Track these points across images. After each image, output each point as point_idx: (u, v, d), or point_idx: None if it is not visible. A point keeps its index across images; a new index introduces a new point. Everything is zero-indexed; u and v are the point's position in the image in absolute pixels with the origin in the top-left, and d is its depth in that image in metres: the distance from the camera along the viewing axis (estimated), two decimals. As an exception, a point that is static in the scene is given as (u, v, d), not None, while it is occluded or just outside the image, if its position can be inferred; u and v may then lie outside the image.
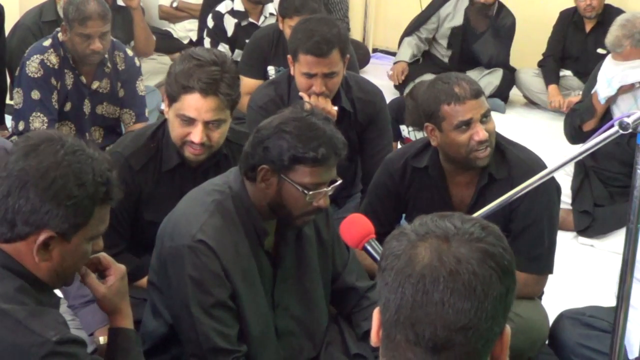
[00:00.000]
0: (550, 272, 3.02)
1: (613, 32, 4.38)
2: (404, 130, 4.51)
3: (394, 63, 6.50)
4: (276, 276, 2.57)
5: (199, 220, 2.42)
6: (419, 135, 4.40)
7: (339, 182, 2.47)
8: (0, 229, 1.87)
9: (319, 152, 2.35)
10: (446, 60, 6.48)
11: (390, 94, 6.10)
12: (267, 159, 2.39)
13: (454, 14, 6.40)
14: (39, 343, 1.77)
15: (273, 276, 2.57)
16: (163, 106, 2.94)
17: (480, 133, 2.81)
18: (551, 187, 2.96)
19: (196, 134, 2.75)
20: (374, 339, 1.38)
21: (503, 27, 6.34)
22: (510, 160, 2.93)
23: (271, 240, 2.55)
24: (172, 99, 2.78)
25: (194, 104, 2.72)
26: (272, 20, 5.31)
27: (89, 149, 1.92)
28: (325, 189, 2.43)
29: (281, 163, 2.37)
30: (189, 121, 2.75)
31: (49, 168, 1.84)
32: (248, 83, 4.43)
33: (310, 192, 2.39)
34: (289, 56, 3.53)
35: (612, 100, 4.44)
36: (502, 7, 6.34)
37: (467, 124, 2.82)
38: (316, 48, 3.37)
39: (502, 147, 2.96)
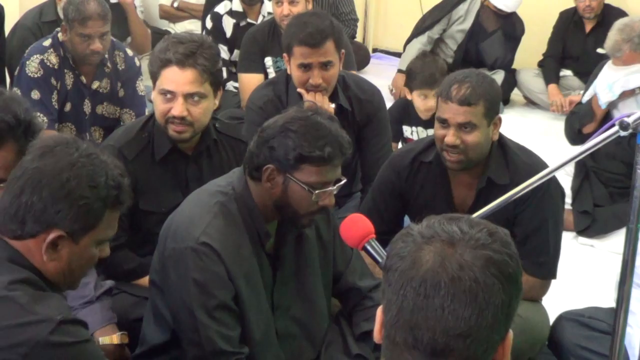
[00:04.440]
0: (554, 277, 3.03)
1: (612, 37, 4.39)
2: (407, 130, 4.51)
3: (398, 70, 6.36)
4: (276, 278, 2.57)
5: (202, 222, 2.42)
6: (422, 135, 4.39)
7: (344, 181, 2.47)
8: (11, 226, 1.89)
9: (325, 151, 2.35)
10: (450, 60, 6.46)
11: (388, 94, 6.10)
12: (272, 158, 2.39)
13: (465, 17, 6.38)
14: (43, 322, 1.79)
15: (273, 278, 2.56)
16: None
17: (448, 137, 2.83)
18: (556, 193, 2.97)
19: (176, 107, 2.81)
20: (377, 336, 1.38)
21: (514, 30, 6.35)
22: (516, 166, 2.92)
23: (272, 241, 2.55)
24: (154, 77, 2.86)
25: (172, 76, 2.80)
26: (271, 20, 5.30)
27: (103, 155, 1.96)
28: (331, 188, 2.43)
29: (287, 162, 2.37)
30: (170, 96, 2.81)
31: (63, 168, 1.88)
32: (250, 79, 4.42)
33: (316, 192, 2.39)
34: (284, 54, 3.53)
35: (613, 105, 4.44)
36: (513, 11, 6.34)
37: (444, 122, 2.84)
38: (310, 38, 3.38)
39: (508, 153, 2.95)
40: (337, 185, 2.45)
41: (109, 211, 1.93)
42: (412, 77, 4.39)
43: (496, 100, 2.89)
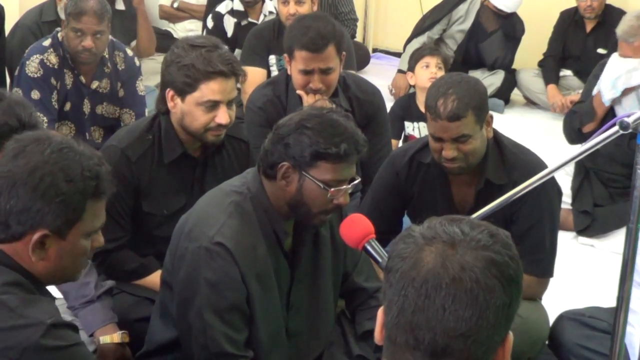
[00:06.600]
0: (551, 275, 3.02)
1: (628, 22, 4.33)
2: (409, 127, 4.53)
3: (398, 70, 6.32)
4: (294, 277, 2.55)
5: (217, 221, 2.39)
6: (424, 132, 4.40)
7: (359, 180, 2.45)
8: None
9: (341, 147, 2.33)
10: (450, 60, 6.45)
11: (388, 94, 6.09)
12: (288, 155, 2.36)
13: (465, 17, 6.37)
14: (34, 326, 1.78)
15: (291, 277, 2.54)
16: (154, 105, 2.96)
17: (445, 152, 2.81)
18: (552, 190, 2.96)
19: (223, 116, 2.81)
20: (377, 337, 1.38)
21: (514, 30, 6.34)
22: (512, 164, 2.92)
23: (289, 241, 2.52)
24: (186, 91, 2.81)
25: (218, 87, 2.79)
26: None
27: (78, 146, 1.93)
28: (346, 187, 2.40)
29: (302, 159, 2.35)
30: (214, 105, 2.80)
31: (36, 167, 1.85)
32: (253, 73, 4.39)
33: (332, 189, 2.37)
34: (285, 55, 3.54)
35: (616, 101, 4.44)
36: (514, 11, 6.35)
37: (438, 139, 2.82)
38: (311, 43, 3.38)
39: (504, 152, 2.94)
40: (352, 183, 2.42)
41: (90, 202, 1.90)
42: (413, 55, 4.80)
43: (483, 103, 2.84)
